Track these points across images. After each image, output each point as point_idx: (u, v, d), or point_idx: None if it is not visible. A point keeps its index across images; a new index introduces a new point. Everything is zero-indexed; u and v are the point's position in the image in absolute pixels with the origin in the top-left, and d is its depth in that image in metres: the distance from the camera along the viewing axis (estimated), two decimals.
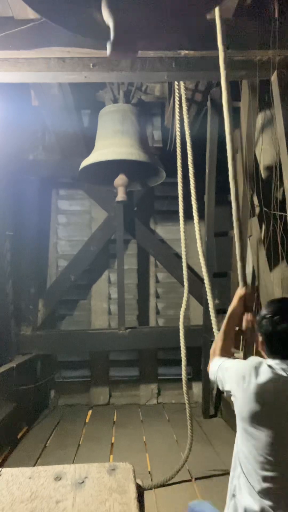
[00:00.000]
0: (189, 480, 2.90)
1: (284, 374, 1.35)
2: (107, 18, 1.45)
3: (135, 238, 4.92)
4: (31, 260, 4.65)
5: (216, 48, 1.94)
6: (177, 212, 3.17)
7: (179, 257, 4.12)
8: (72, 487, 1.38)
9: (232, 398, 1.43)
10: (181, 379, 3.08)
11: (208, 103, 3.72)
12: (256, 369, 1.38)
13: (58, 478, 1.43)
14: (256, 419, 1.33)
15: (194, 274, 4.51)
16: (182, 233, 3.13)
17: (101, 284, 4.99)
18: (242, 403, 1.36)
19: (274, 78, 2.56)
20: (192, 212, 2.97)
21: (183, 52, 2.46)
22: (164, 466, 3.04)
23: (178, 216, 3.15)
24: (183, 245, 3.19)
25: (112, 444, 3.62)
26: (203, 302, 4.26)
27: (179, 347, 3.09)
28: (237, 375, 1.42)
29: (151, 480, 2.90)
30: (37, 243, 4.75)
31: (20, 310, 4.51)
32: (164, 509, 2.57)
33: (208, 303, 3.00)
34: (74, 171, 3.88)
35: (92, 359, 4.90)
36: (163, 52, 2.47)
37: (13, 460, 3.32)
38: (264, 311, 1.46)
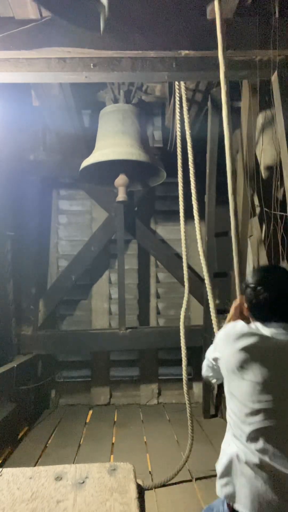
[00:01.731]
0: (190, 480, 2.90)
1: (265, 334, 1.49)
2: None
3: (136, 238, 4.92)
4: (32, 260, 4.64)
5: (216, 48, 1.94)
6: (177, 212, 3.17)
7: (179, 257, 4.12)
8: (72, 487, 1.38)
9: (219, 361, 1.55)
10: (181, 379, 3.08)
11: (209, 103, 3.72)
12: (240, 329, 1.52)
13: (58, 478, 1.43)
14: (241, 369, 1.44)
15: (194, 274, 4.51)
16: (182, 233, 3.13)
17: (101, 284, 4.99)
18: (228, 356, 1.49)
19: (274, 78, 2.56)
20: (192, 212, 2.97)
21: (184, 52, 2.47)
22: (165, 466, 3.04)
23: (179, 216, 3.15)
24: (183, 245, 3.19)
25: (112, 444, 3.62)
26: (204, 302, 4.26)
27: (179, 347, 3.09)
28: (222, 339, 1.56)
29: (152, 480, 2.90)
30: (38, 243, 4.75)
31: (21, 310, 4.51)
32: (165, 509, 2.57)
33: (208, 303, 3.00)
34: (74, 171, 3.88)
35: (92, 359, 4.90)
36: (163, 52, 2.48)
37: (13, 460, 3.32)
38: (248, 280, 1.57)
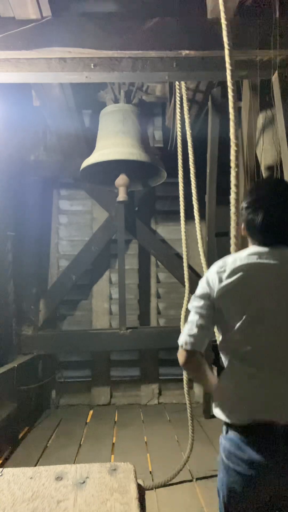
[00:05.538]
0: (190, 480, 2.90)
1: (260, 260, 1.43)
2: None
3: (136, 238, 4.91)
4: (32, 260, 4.65)
5: (217, 48, 1.93)
6: (178, 212, 3.17)
7: (180, 257, 4.12)
8: (73, 487, 1.38)
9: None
10: (182, 379, 3.08)
11: (209, 103, 3.71)
12: (223, 262, 1.53)
13: (59, 478, 1.43)
14: (232, 305, 1.43)
15: (195, 274, 4.50)
16: (183, 233, 3.13)
17: (102, 284, 4.99)
18: (219, 297, 1.46)
19: (275, 78, 2.56)
20: (193, 212, 2.98)
21: (184, 52, 2.46)
22: (165, 466, 3.04)
23: (179, 216, 3.15)
24: (184, 245, 3.19)
25: (113, 444, 3.62)
26: None
27: None
28: (206, 283, 1.56)
29: (152, 480, 2.90)
30: (39, 243, 4.76)
31: (22, 310, 4.51)
32: (165, 509, 2.57)
33: None
34: (75, 171, 3.88)
35: (93, 359, 4.90)
36: (164, 52, 2.47)
37: (14, 460, 3.33)
38: (246, 200, 1.50)
